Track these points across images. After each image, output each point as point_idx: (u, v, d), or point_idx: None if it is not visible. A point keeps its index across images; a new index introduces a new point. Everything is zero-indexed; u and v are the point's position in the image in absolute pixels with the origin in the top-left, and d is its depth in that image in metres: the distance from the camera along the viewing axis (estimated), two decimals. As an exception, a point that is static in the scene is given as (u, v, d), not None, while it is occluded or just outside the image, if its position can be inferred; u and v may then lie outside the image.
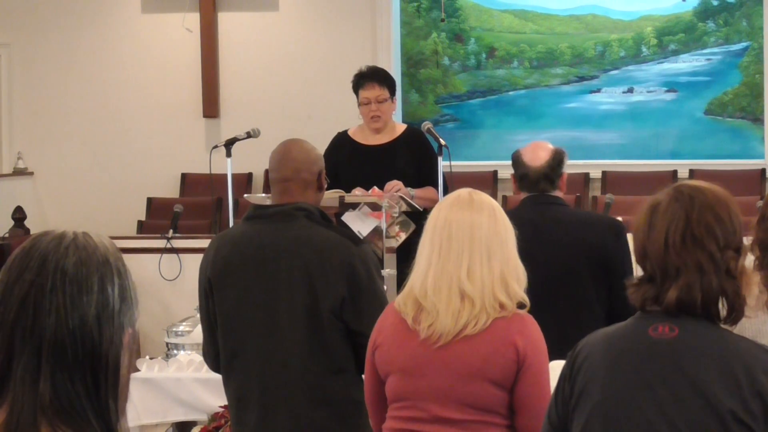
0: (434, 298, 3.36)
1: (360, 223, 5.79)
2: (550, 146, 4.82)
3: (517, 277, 3.41)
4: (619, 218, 5.21)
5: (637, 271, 2.89)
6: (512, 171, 4.86)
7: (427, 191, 6.17)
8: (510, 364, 3.36)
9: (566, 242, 4.62)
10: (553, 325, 4.13)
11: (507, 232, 3.43)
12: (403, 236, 5.81)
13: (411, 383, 3.42)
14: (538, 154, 4.76)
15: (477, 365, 3.36)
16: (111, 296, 1.83)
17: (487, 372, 3.36)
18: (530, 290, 4.50)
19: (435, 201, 6.08)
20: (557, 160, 4.76)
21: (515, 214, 4.68)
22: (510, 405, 3.40)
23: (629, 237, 5.36)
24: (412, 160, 6.28)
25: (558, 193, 4.77)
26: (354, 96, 6.47)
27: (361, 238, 5.48)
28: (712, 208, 2.78)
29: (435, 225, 3.42)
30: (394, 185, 6.01)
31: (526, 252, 4.61)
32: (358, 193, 5.91)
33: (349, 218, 5.80)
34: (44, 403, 1.77)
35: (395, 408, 3.47)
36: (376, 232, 5.76)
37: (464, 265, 3.36)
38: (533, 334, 3.42)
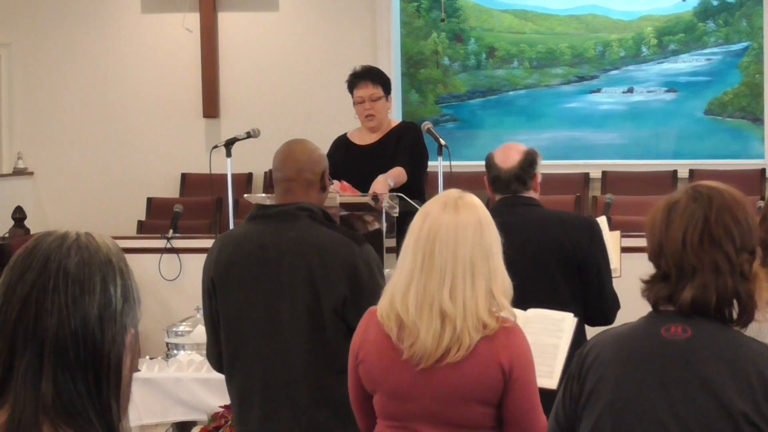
0: (415, 316, 3.29)
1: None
2: (523, 147, 4.81)
3: (504, 289, 3.34)
4: (600, 217, 5.19)
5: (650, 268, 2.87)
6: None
7: (394, 171, 6.16)
8: (496, 383, 3.32)
9: (538, 243, 4.59)
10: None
11: (493, 243, 3.34)
12: (376, 225, 5.82)
13: (399, 406, 3.38)
14: (509, 155, 4.75)
15: (464, 389, 3.32)
16: (113, 296, 1.83)
17: (474, 394, 3.32)
18: None
19: (400, 181, 6.10)
20: (529, 160, 4.74)
21: None
22: (499, 416, 3.38)
23: (618, 235, 5.37)
24: (396, 147, 6.29)
25: (531, 194, 4.75)
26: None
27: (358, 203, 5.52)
28: (730, 209, 2.78)
29: (420, 233, 3.33)
30: (378, 189, 5.98)
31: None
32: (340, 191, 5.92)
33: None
34: (46, 404, 1.77)
35: (384, 425, 3.45)
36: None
37: (447, 285, 3.28)
38: (519, 346, 3.35)
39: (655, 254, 2.82)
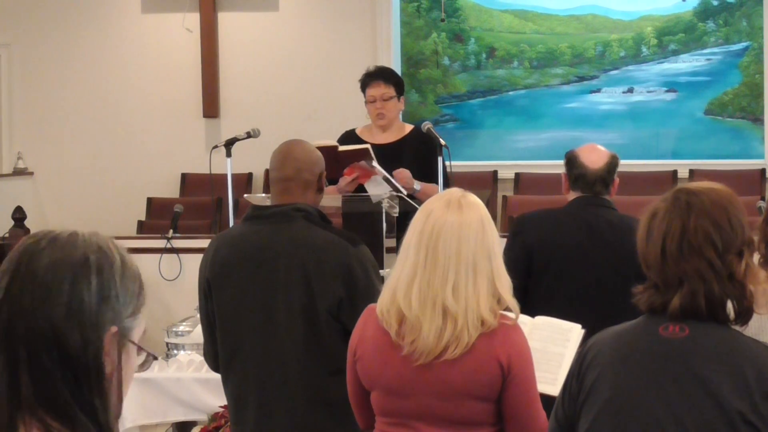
0: (418, 312, 3.31)
1: (375, 188, 5.93)
2: (606, 150, 4.94)
3: (508, 287, 3.36)
4: None
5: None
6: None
7: (431, 188, 6.20)
8: (495, 378, 3.33)
9: (618, 245, 4.69)
10: (599, 324, 4.17)
11: (494, 243, 3.37)
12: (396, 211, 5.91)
13: (396, 402, 3.40)
14: (596, 156, 4.88)
15: (461, 385, 3.33)
16: (86, 296, 1.83)
17: (472, 390, 3.33)
18: (581, 289, 4.58)
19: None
20: (614, 165, 4.88)
21: (568, 213, 4.80)
22: (498, 412, 3.38)
23: None
24: (416, 158, 6.32)
25: (609, 198, 4.90)
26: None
27: (374, 202, 5.58)
28: (709, 214, 2.76)
29: (422, 230, 3.35)
30: (401, 172, 6.07)
31: (581, 251, 4.70)
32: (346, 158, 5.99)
33: (370, 186, 5.96)
34: (30, 402, 1.78)
35: (383, 422, 3.46)
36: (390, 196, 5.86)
37: (450, 282, 3.30)
38: (516, 343, 3.36)
39: (644, 265, 2.83)
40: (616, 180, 4.89)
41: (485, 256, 3.33)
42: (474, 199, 3.42)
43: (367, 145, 6.06)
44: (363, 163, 5.96)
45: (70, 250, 1.85)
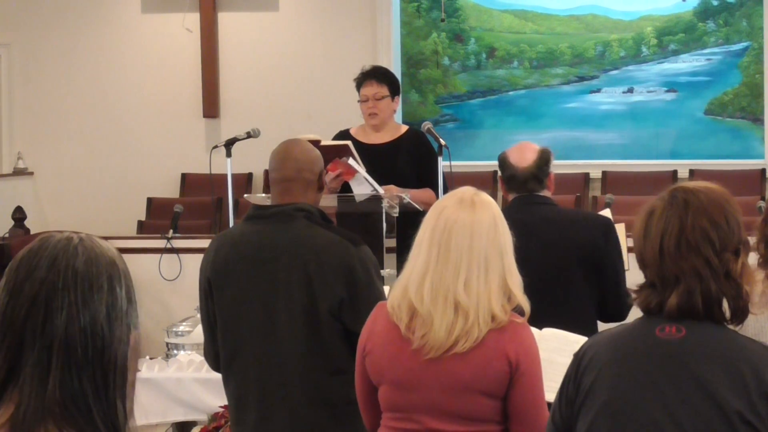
0: (430, 306, 3.33)
1: (359, 186, 5.91)
2: (536, 146, 4.85)
3: (519, 285, 3.39)
4: (607, 215, 5.22)
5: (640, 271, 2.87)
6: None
7: (424, 193, 6.17)
8: (502, 375, 3.35)
9: (558, 242, 4.63)
10: (546, 325, 4.15)
11: (506, 240, 3.39)
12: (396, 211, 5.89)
13: (404, 396, 3.41)
14: (524, 155, 4.78)
15: (469, 379, 3.34)
16: (119, 296, 1.84)
17: (480, 385, 3.35)
18: (525, 289, 4.52)
19: (430, 204, 6.11)
20: (544, 159, 4.78)
21: (505, 215, 4.72)
22: (504, 411, 3.40)
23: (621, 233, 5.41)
24: (411, 160, 6.31)
25: (546, 193, 4.80)
26: (355, 96, 6.53)
27: (357, 201, 5.57)
28: (707, 212, 2.76)
29: (435, 226, 3.38)
30: (388, 189, 6.03)
31: (518, 252, 4.64)
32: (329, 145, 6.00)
33: (354, 184, 5.93)
34: (52, 402, 1.78)
35: (389, 418, 3.47)
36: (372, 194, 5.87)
37: (461, 277, 3.33)
38: (526, 341, 3.39)
39: (641, 263, 2.83)
40: (551, 174, 4.80)
41: (497, 254, 3.35)
42: (486, 198, 3.45)
43: (348, 142, 6.05)
44: (345, 159, 5.95)
45: (100, 251, 1.86)
